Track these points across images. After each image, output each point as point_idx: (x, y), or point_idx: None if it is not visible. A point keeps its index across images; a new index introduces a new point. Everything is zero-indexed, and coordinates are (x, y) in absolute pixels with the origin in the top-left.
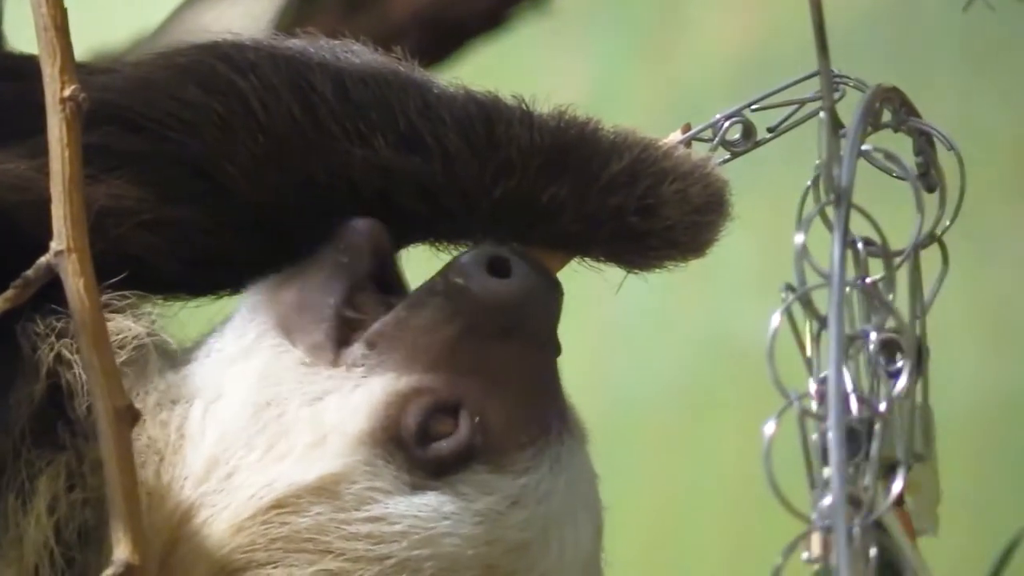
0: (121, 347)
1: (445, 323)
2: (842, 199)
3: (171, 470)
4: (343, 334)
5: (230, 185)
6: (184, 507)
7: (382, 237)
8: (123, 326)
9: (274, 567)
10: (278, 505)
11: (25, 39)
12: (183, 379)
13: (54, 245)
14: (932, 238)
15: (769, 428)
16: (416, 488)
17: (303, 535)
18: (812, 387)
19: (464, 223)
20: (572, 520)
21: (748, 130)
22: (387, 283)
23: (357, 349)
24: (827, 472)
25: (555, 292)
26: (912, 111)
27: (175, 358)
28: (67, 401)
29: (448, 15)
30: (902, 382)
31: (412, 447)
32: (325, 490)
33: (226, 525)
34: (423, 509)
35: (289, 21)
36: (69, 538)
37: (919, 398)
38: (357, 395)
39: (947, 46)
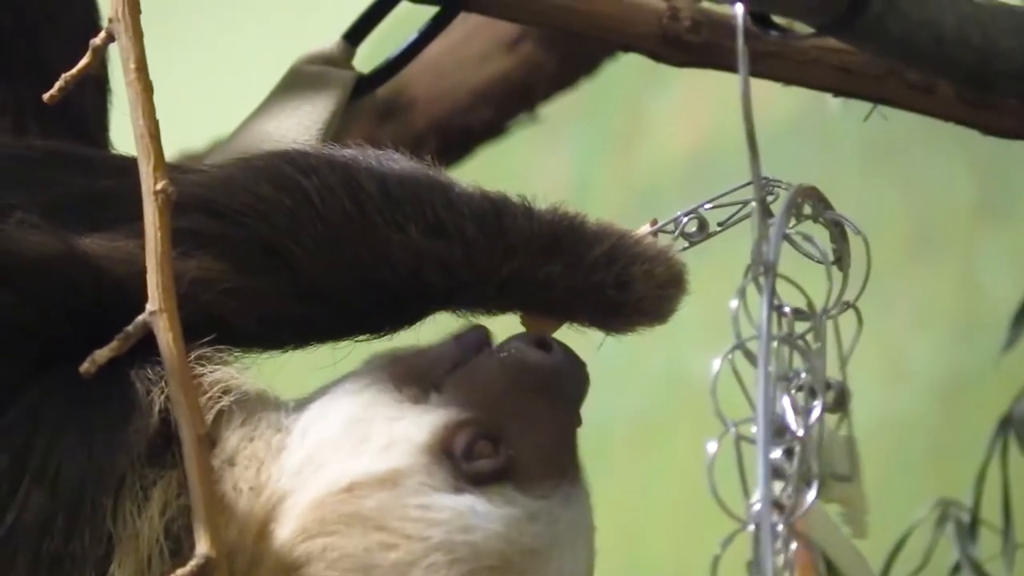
0: (227, 392)
1: (498, 378)
2: (768, 272)
3: (269, 470)
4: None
5: (295, 262)
6: (279, 494)
7: (487, 338)
8: (228, 374)
9: (340, 536)
10: (351, 488)
11: (126, 144)
12: (294, 412)
13: (149, 306)
14: (847, 305)
15: (711, 447)
16: (459, 490)
17: (367, 513)
18: (753, 417)
19: (479, 295)
20: (572, 547)
21: (702, 224)
22: None
23: (434, 392)
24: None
25: (584, 372)
26: (828, 205)
27: (284, 403)
28: (175, 431)
29: (458, 124)
30: (815, 414)
31: (459, 460)
32: (389, 481)
33: (308, 501)
34: (461, 505)
35: (334, 130)
36: (178, 533)
37: (844, 430)
38: (425, 418)
39: (852, 148)
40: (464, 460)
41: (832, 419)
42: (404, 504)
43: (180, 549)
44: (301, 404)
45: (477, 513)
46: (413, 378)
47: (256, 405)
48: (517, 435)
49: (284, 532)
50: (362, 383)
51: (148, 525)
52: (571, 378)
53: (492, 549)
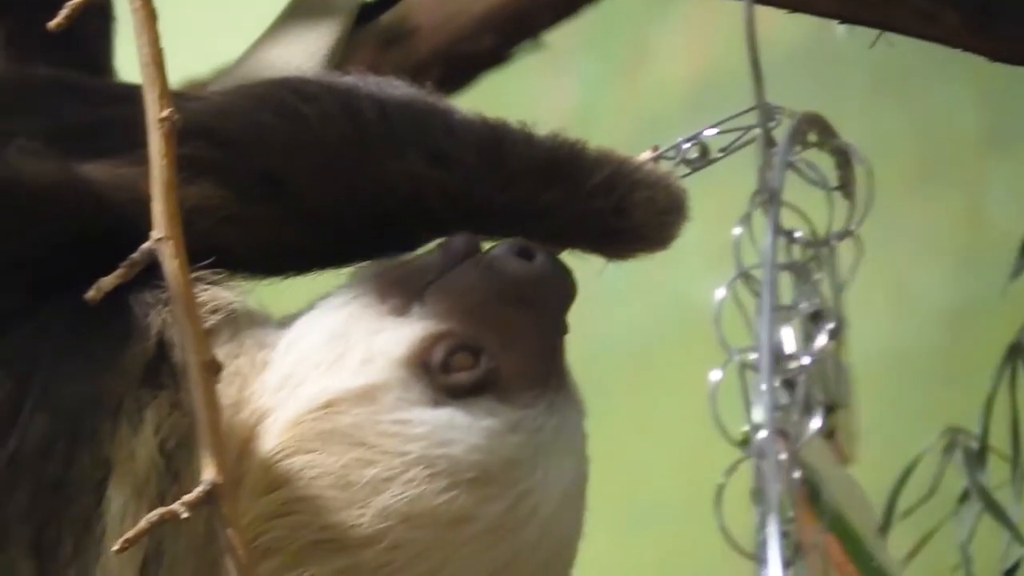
0: (216, 311)
1: (478, 289)
2: (772, 198)
3: (252, 386)
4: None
5: (295, 189)
6: (261, 411)
7: (475, 245)
8: (219, 294)
9: (319, 453)
10: (328, 405)
11: (131, 72)
12: (279, 329)
13: (154, 234)
14: (848, 233)
15: (714, 375)
16: (438, 404)
17: (344, 429)
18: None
19: (480, 222)
20: (558, 455)
21: (704, 150)
22: None
23: (416, 304)
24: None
25: (569, 281)
26: (832, 133)
27: (271, 320)
28: (170, 352)
29: (461, 52)
30: (820, 341)
31: (436, 373)
32: (366, 396)
33: (287, 419)
34: (439, 419)
35: (338, 56)
36: (172, 451)
37: (840, 358)
38: (403, 331)
39: (859, 75)
40: (442, 372)
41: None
42: (381, 419)
43: (175, 466)
44: (289, 321)
45: (455, 426)
46: (397, 289)
47: (243, 322)
48: (498, 346)
49: (263, 450)
50: (347, 297)
51: (144, 445)
52: (554, 287)
53: (472, 461)
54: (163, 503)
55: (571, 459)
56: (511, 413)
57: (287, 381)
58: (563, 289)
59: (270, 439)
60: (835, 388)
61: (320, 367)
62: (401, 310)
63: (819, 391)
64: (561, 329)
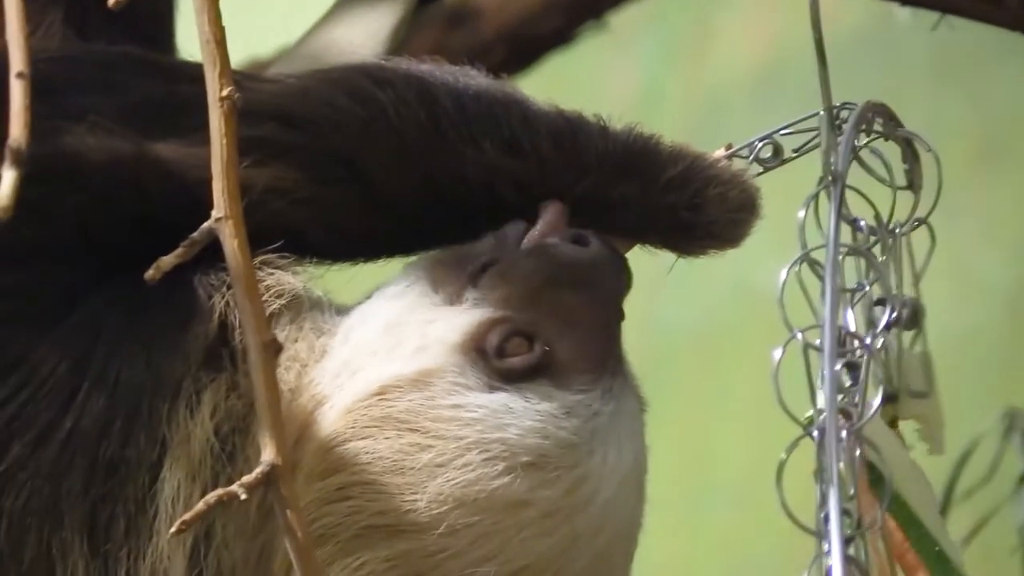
0: (280, 295)
1: (533, 275)
2: (836, 181)
3: (310, 374)
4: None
5: (368, 175)
6: (318, 398)
7: (527, 233)
8: (283, 279)
9: (373, 439)
10: (381, 392)
11: (192, 51)
12: (339, 317)
13: (214, 213)
14: (920, 221)
15: (777, 353)
16: (493, 389)
17: (398, 415)
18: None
19: None
20: (616, 440)
21: (777, 150)
22: None
23: (469, 292)
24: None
25: (623, 266)
26: (898, 123)
27: (332, 307)
28: (231, 334)
29: (526, 32)
30: (882, 324)
31: (491, 358)
32: (420, 382)
33: (342, 406)
34: (495, 403)
35: (401, 37)
36: (227, 434)
37: (919, 347)
38: (458, 319)
39: (920, 58)
40: (496, 357)
41: (907, 336)
42: (436, 404)
43: (230, 449)
44: (349, 309)
45: (511, 410)
46: (451, 277)
47: (304, 307)
48: (553, 331)
49: (319, 437)
50: (403, 286)
51: (200, 428)
52: (609, 271)
53: (527, 445)
54: (216, 486)
55: (629, 446)
56: (567, 397)
57: (344, 369)
58: (618, 274)
59: (326, 426)
60: (917, 378)
61: (376, 355)
62: (455, 298)
63: (882, 372)
64: (617, 314)
